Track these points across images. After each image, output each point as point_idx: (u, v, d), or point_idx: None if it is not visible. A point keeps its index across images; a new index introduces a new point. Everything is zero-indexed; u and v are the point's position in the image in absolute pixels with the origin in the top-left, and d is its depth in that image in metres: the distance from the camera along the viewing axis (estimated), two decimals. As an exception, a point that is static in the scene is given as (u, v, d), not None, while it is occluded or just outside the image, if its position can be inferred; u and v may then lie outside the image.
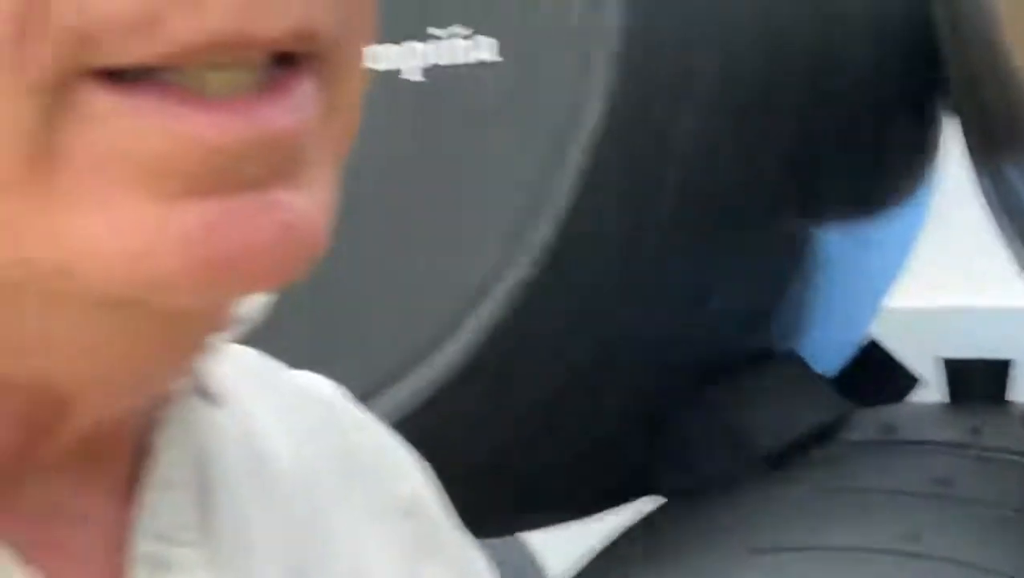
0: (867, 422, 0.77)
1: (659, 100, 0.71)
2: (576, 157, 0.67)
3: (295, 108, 0.12)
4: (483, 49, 0.67)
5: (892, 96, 0.84)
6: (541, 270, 0.71)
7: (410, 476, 0.33)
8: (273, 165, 0.12)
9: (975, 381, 0.84)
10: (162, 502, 0.21)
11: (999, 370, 0.82)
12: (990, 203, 0.74)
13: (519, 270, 0.67)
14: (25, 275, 0.12)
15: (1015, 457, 0.78)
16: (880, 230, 0.85)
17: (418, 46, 0.64)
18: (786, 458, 0.73)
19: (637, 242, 0.71)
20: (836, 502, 0.74)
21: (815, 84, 0.79)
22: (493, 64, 0.67)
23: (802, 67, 0.79)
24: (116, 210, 0.13)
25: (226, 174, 0.12)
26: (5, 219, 0.12)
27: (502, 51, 0.67)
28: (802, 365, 0.76)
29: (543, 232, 0.68)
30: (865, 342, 0.88)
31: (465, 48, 0.68)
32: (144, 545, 0.20)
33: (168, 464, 0.21)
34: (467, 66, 0.69)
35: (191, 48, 0.11)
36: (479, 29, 0.67)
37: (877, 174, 0.85)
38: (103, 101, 0.11)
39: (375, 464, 0.31)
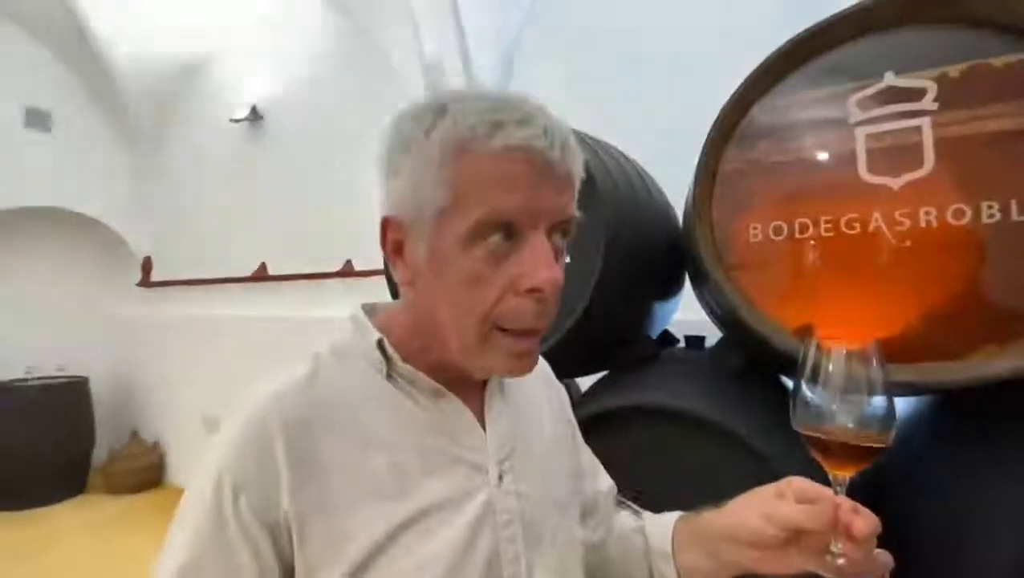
0: (667, 353, 1.25)
1: (610, 273, 1.02)
2: (588, 291, 1.01)
3: (540, 339, 0.52)
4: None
5: (671, 264, 1.25)
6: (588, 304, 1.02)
7: (563, 391, 0.74)
8: (536, 348, 0.52)
9: (696, 343, 1.34)
10: (490, 392, 0.60)
11: (698, 338, 1.34)
12: (699, 298, 1.23)
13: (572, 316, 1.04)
14: (476, 369, 0.52)
15: (702, 358, 1.16)
16: (666, 302, 1.38)
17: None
18: (648, 359, 1.20)
19: (609, 309, 1.05)
20: (666, 374, 1.11)
21: (648, 259, 1.18)
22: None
23: (648, 258, 1.17)
24: (499, 360, 0.51)
25: (524, 350, 0.50)
26: (472, 355, 0.50)
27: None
28: (650, 338, 1.27)
29: (579, 308, 1.02)
30: (662, 330, 1.43)
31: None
32: (488, 396, 0.59)
33: (493, 383, 0.60)
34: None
35: (523, 328, 0.49)
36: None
37: (670, 291, 1.37)
38: (498, 334, 0.50)
39: (553, 381, 0.74)
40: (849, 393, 0.47)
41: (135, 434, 3.93)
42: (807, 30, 0.89)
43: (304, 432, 0.48)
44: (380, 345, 0.53)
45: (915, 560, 0.82)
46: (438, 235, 0.48)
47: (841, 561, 0.46)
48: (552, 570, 0.54)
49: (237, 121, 3.56)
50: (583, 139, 1.12)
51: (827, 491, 0.48)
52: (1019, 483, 0.76)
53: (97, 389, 3.88)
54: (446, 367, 0.54)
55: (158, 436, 3.99)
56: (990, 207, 0.77)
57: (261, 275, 3.57)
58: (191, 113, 3.94)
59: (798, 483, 0.51)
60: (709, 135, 0.95)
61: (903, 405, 1.18)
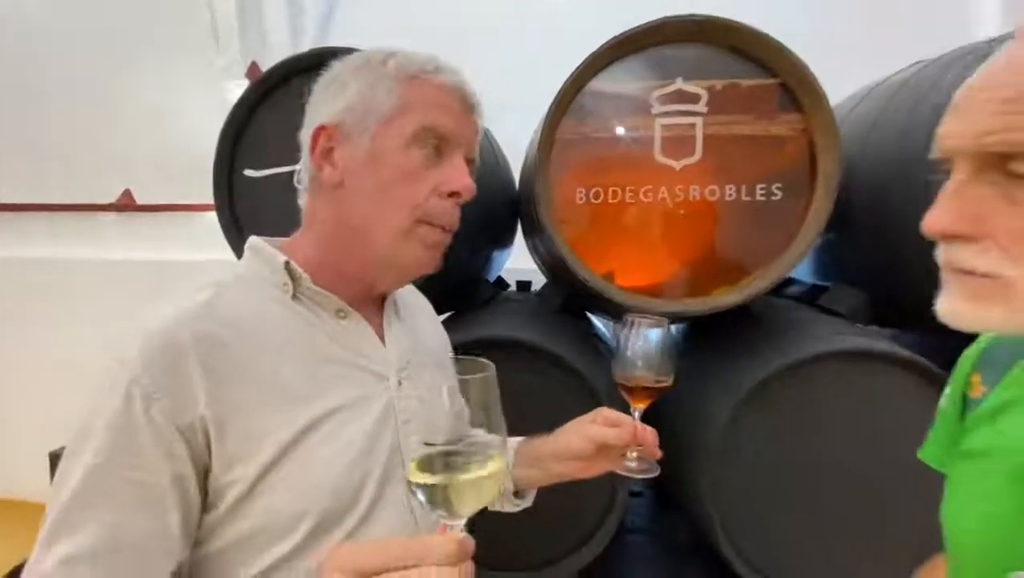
0: (502, 295, 1.42)
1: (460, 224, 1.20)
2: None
3: (443, 244, 0.63)
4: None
5: (507, 217, 1.43)
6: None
7: (444, 331, 0.83)
8: (442, 245, 0.61)
9: (525, 287, 1.57)
10: (388, 309, 0.67)
11: (526, 283, 1.58)
12: (531, 247, 1.46)
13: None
14: (384, 262, 0.60)
15: (530, 299, 1.41)
16: (502, 251, 1.56)
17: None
18: (489, 300, 1.36)
19: (457, 256, 1.22)
20: (503, 312, 1.28)
21: (489, 213, 1.30)
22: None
23: (490, 210, 1.25)
24: (414, 250, 0.59)
25: (436, 242, 0.60)
26: (394, 246, 0.58)
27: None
28: (488, 282, 1.41)
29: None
30: (497, 276, 1.60)
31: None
32: (386, 319, 0.66)
33: (390, 301, 0.68)
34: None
35: (442, 224, 0.60)
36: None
37: (506, 241, 1.55)
38: (421, 225, 0.58)
39: (437, 320, 0.86)
40: (649, 354, 0.67)
41: None
42: (636, 27, 1.05)
43: (214, 346, 0.50)
44: (288, 266, 0.56)
45: (662, 427, 1.20)
46: (384, 134, 0.56)
47: (634, 463, 0.68)
48: None
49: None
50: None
51: (627, 418, 0.67)
52: (723, 378, 1.13)
53: None
54: (352, 280, 0.60)
55: None
56: (731, 189, 1.08)
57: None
58: None
59: (606, 412, 0.69)
60: (551, 107, 1.08)
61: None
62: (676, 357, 0.69)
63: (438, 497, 0.38)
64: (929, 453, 0.63)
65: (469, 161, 0.62)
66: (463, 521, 0.39)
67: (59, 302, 2.59)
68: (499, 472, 0.39)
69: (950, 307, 0.40)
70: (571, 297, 1.33)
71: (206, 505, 0.51)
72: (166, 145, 2.55)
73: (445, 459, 0.39)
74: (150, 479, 0.47)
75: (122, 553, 0.46)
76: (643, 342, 0.66)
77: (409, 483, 0.40)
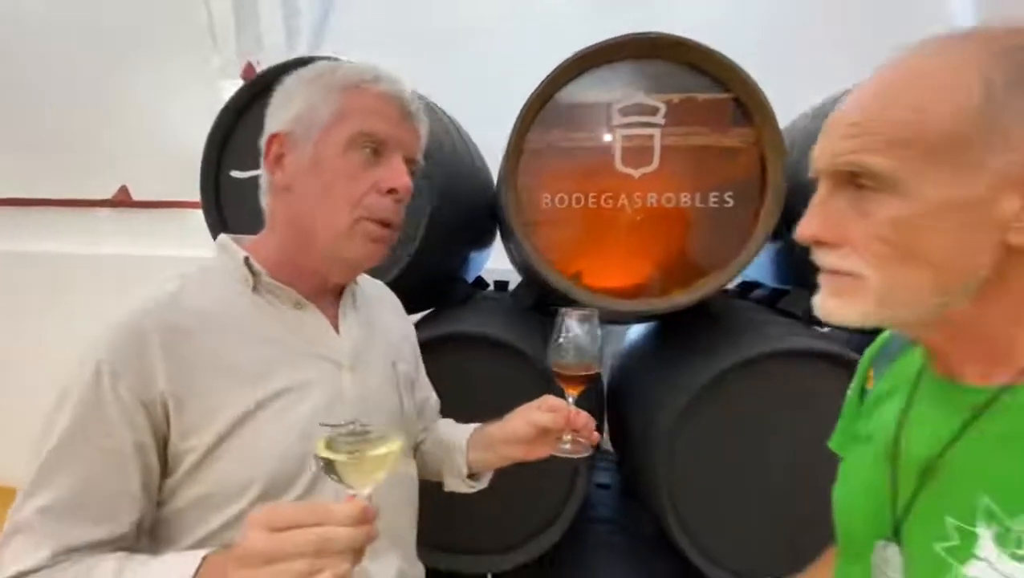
0: (479, 294, 1.47)
1: (438, 226, 1.15)
2: (421, 231, 1.13)
3: (389, 241, 0.68)
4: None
5: (485, 220, 1.45)
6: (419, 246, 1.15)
7: (410, 323, 0.93)
8: (386, 241, 0.66)
9: (502, 287, 1.61)
10: (345, 300, 0.73)
11: (503, 283, 1.62)
12: (507, 249, 1.48)
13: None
14: (331, 257, 0.65)
15: (506, 298, 1.44)
16: (481, 252, 1.60)
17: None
18: (466, 299, 1.40)
19: (435, 257, 1.18)
20: (478, 310, 1.33)
21: (473, 219, 1.36)
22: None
23: (468, 213, 1.34)
24: (359, 245, 0.64)
25: (380, 236, 0.65)
26: (338, 242, 0.63)
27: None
28: (466, 281, 1.46)
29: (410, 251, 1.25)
30: (476, 276, 1.65)
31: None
32: (342, 310, 0.71)
33: (348, 293, 0.74)
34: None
35: (382, 218, 0.64)
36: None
37: (484, 242, 1.59)
38: (363, 221, 0.63)
39: (403, 313, 0.92)
40: (578, 344, 0.72)
41: None
42: (598, 43, 1.11)
43: (178, 334, 0.56)
44: (247, 262, 0.62)
45: (627, 421, 1.28)
46: (324, 141, 0.61)
47: (567, 445, 0.74)
48: None
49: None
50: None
51: (564, 403, 0.73)
52: (679, 374, 1.19)
53: None
54: (308, 274, 0.65)
55: None
56: (686, 196, 1.15)
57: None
58: None
59: (550, 401, 0.74)
60: (518, 119, 1.15)
61: (633, 330, 1.66)
62: (604, 347, 0.75)
63: (330, 469, 0.45)
64: (836, 441, 0.70)
65: (410, 161, 0.67)
66: (365, 491, 0.45)
67: (53, 297, 2.65)
68: (389, 453, 0.45)
69: (821, 302, 0.47)
70: (542, 297, 1.40)
71: (166, 470, 0.57)
72: (162, 142, 2.61)
73: (345, 438, 0.45)
74: (115, 445, 0.54)
75: (89, 506, 0.54)
76: (574, 333, 0.73)
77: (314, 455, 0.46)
